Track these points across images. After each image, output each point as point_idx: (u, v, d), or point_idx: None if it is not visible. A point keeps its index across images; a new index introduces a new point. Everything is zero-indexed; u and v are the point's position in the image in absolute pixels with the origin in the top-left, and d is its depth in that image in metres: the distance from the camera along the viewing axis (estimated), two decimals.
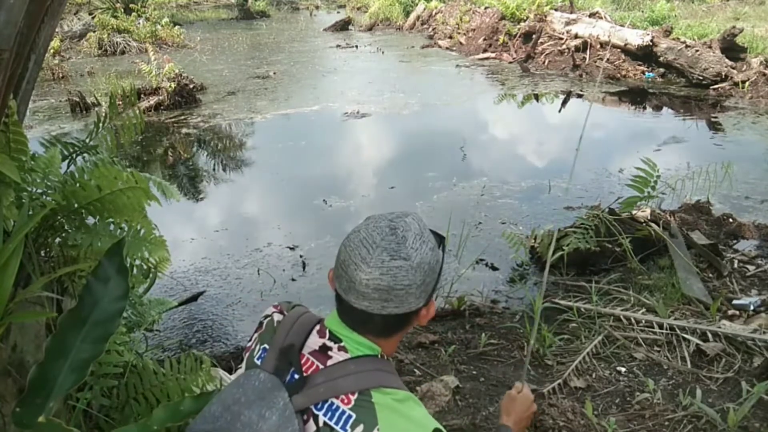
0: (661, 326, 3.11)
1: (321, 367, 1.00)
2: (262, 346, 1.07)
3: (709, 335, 2.99)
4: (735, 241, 4.16)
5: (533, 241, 4.16)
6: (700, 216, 4.51)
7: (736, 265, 3.80)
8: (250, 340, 1.13)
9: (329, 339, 1.03)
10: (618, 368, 2.89)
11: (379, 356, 1.04)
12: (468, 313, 3.48)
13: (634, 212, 4.12)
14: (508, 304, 3.69)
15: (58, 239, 2.02)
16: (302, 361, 1.01)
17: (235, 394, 0.98)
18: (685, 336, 3.02)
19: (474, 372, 2.96)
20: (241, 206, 5.68)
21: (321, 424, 0.95)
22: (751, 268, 3.77)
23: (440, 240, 1.07)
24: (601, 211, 4.03)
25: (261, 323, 1.13)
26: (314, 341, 1.03)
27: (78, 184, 1.92)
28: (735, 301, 3.34)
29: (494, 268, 4.14)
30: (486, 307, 3.58)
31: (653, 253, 3.94)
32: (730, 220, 4.42)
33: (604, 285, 3.61)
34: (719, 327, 3.03)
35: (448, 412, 2.63)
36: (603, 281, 3.67)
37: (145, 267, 2.29)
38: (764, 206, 4.93)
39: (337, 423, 0.95)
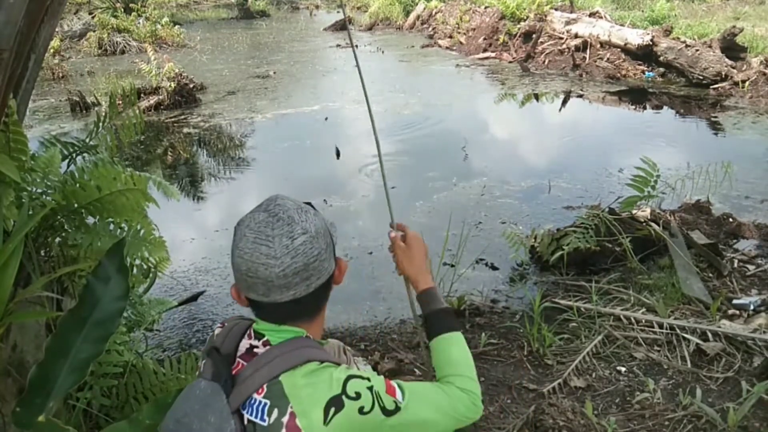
0: (661, 326, 3.11)
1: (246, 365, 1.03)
2: (203, 361, 1.11)
3: (709, 335, 2.99)
4: (735, 241, 4.15)
5: (533, 240, 4.16)
6: (700, 216, 4.51)
7: (736, 265, 3.79)
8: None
9: (255, 338, 1.06)
10: (618, 368, 2.89)
11: (305, 337, 1.06)
12: (468, 313, 3.48)
13: (634, 212, 4.12)
14: (508, 303, 3.69)
15: (58, 239, 2.02)
16: (234, 365, 1.04)
17: (183, 407, 1.02)
18: (685, 336, 3.02)
19: None
20: (241, 206, 5.67)
21: (246, 422, 0.98)
22: (751, 267, 3.77)
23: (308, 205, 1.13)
24: (601, 211, 4.03)
25: (207, 341, 1.18)
26: (244, 344, 1.07)
27: (78, 184, 1.93)
28: (735, 301, 3.34)
29: (494, 268, 4.14)
30: (486, 306, 3.58)
31: (653, 252, 3.94)
32: (730, 219, 4.41)
33: (604, 285, 3.61)
34: (719, 327, 3.03)
35: None
36: (603, 281, 3.67)
37: (145, 267, 2.29)
38: (764, 206, 4.93)
39: (256, 416, 0.97)
